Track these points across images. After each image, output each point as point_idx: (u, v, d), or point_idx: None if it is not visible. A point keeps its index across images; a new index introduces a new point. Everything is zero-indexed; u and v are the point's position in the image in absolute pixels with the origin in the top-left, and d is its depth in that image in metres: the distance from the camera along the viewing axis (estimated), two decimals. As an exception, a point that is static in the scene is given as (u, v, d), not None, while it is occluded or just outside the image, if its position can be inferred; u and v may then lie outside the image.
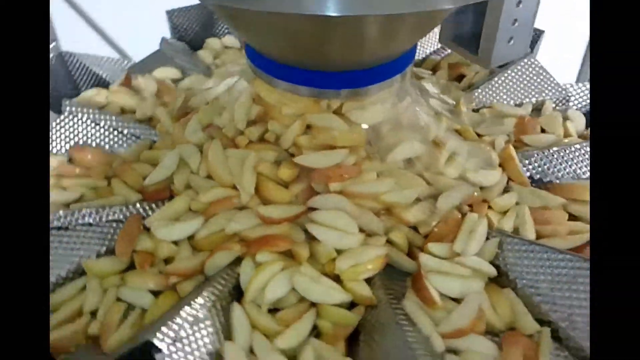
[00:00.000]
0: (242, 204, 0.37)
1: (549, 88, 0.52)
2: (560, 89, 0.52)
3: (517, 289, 0.35)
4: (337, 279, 0.34)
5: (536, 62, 0.52)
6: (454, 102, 0.47)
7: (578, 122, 0.51)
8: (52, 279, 0.35)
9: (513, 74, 0.52)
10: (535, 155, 0.43)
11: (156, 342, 0.28)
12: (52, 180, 0.41)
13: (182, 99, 0.46)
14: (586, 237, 0.38)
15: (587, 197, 0.41)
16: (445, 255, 0.36)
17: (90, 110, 0.45)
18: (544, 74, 0.52)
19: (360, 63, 0.34)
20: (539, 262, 0.35)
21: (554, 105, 0.52)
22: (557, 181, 0.43)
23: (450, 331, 0.32)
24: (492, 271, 0.35)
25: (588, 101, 0.54)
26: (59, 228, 0.37)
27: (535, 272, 0.35)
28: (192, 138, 0.40)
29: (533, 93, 0.52)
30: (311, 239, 0.35)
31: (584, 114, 0.53)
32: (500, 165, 0.43)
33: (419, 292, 0.34)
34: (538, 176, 0.43)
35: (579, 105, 0.54)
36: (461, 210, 0.38)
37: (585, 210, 0.40)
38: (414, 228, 0.38)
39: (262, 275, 0.33)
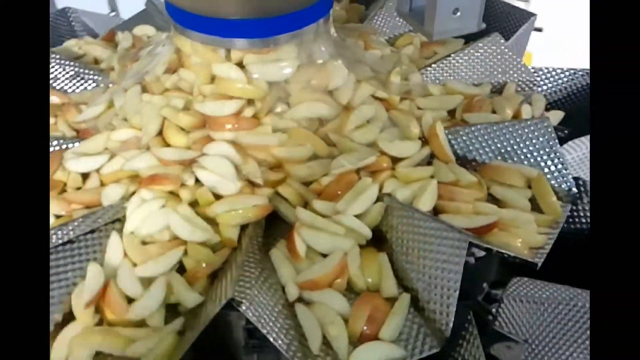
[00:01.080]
0: (144, 145, 0.39)
1: (514, 69, 0.50)
2: (526, 71, 0.50)
3: (392, 253, 0.35)
4: (214, 222, 0.35)
5: (501, 42, 0.50)
6: (386, 73, 0.46)
7: (537, 106, 0.48)
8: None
9: (474, 52, 0.50)
10: (461, 131, 0.42)
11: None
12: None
13: (135, 50, 0.49)
14: (491, 219, 0.36)
15: (514, 181, 0.40)
16: (327, 212, 0.36)
17: (57, 56, 0.49)
18: (510, 54, 0.50)
19: (259, 10, 0.35)
20: (415, 230, 0.34)
21: (518, 88, 0.50)
22: (481, 159, 0.42)
23: (305, 282, 0.33)
24: (367, 233, 0.35)
25: (557, 85, 0.51)
26: None
27: (409, 238, 0.35)
28: (124, 84, 0.43)
29: (495, 73, 0.50)
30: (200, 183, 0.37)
31: (547, 99, 0.50)
32: (426, 139, 0.42)
33: (288, 243, 0.35)
34: (463, 152, 0.42)
35: (546, 90, 0.51)
36: (359, 175, 0.38)
37: (508, 194, 0.39)
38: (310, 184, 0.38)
39: (143, 210, 0.35)
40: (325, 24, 0.41)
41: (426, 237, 0.34)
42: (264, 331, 0.29)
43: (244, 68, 0.38)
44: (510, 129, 0.41)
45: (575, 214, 0.40)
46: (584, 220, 0.39)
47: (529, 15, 0.56)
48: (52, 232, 0.34)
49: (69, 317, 0.32)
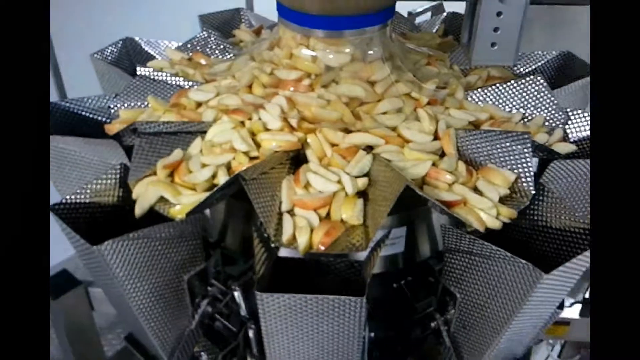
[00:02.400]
0: (236, 91, 0.57)
1: (548, 107, 0.58)
2: (558, 111, 0.58)
3: (368, 202, 0.47)
4: (259, 144, 0.52)
5: (541, 81, 0.59)
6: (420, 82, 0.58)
7: (555, 137, 0.56)
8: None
9: (517, 85, 0.59)
10: (461, 133, 0.52)
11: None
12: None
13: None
14: (456, 197, 0.47)
15: (496, 180, 0.49)
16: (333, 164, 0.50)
17: (214, 34, 0.71)
18: (547, 93, 0.58)
19: (330, 9, 0.51)
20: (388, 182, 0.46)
21: (547, 122, 0.58)
22: (477, 159, 0.51)
23: (297, 200, 0.47)
24: (350, 188, 0.47)
25: (585, 129, 0.58)
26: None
27: (386, 191, 0.47)
28: (242, 55, 0.63)
29: (530, 107, 0.59)
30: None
31: (570, 139, 0.57)
32: (439, 138, 0.53)
33: (295, 175, 0.49)
34: (462, 151, 0.52)
35: (574, 131, 0.58)
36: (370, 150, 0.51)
37: (485, 187, 0.49)
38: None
39: (220, 126, 0.53)
40: (381, 31, 0.55)
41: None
42: (256, 205, 0.44)
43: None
44: (499, 136, 0.50)
45: (532, 211, 0.48)
46: (537, 217, 0.47)
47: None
48: (163, 124, 0.53)
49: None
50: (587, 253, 0.40)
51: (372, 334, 0.50)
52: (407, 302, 0.55)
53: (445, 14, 0.83)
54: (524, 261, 0.39)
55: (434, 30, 0.80)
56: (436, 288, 0.52)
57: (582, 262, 0.41)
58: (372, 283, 0.54)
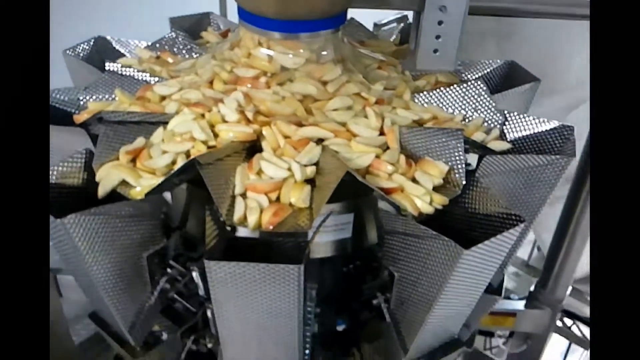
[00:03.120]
0: (198, 86, 0.61)
1: (485, 109, 0.64)
2: (496, 113, 0.63)
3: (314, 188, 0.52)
4: (217, 135, 0.56)
5: (480, 86, 0.64)
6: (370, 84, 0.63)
7: (491, 135, 0.61)
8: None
9: (459, 89, 0.65)
10: (403, 130, 0.57)
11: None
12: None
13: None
14: (392, 185, 0.52)
15: (432, 171, 0.54)
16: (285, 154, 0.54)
17: (182, 35, 0.75)
18: (485, 96, 0.64)
19: (286, 14, 0.56)
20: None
21: (485, 123, 0.63)
22: (417, 152, 0.56)
23: (250, 184, 0.51)
24: (299, 175, 0.51)
25: (521, 129, 0.63)
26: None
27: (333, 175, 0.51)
28: (204, 55, 0.67)
29: (471, 109, 0.64)
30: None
31: (507, 138, 0.63)
32: (385, 133, 0.58)
33: (249, 162, 0.53)
34: (404, 145, 0.57)
35: (511, 132, 0.63)
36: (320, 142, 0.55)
37: (421, 177, 0.53)
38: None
39: (181, 117, 0.57)
40: (334, 35, 0.60)
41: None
42: (210, 188, 0.47)
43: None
44: (436, 132, 0.55)
45: (464, 199, 0.53)
46: (468, 205, 0.52)
47: (532, 79, 0.69)
48: (128, 114, 0.56)
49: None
50: (506, 233, 0.45)
51: (318, 309, 0.54)
52: (355, 284, 0.60)
53: (402, 24, 0.88)
54: (446, 238, 0.43)
55: (392, 39, 0.85)
56: (379, 270, 0.56)
57: (501, 242, 0.46)
58: (322, 267, 0.58)
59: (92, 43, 0.75)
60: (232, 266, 0.42)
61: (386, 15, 1.21)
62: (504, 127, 0.64)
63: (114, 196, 0.51)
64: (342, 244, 0.58)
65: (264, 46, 0.60)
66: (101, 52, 0.75)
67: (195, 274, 0.58)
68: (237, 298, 0.44)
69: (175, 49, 0.73)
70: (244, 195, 0.50)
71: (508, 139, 0.63)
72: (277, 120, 0.56)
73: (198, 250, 0.60)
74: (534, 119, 0.62)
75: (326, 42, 0.60)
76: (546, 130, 0.61)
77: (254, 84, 0.59)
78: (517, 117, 0.64)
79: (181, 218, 0.60)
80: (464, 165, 0.53)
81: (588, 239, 0.78)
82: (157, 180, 0.51)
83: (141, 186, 0.51)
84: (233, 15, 0.90)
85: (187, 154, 0.55)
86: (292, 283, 0.42)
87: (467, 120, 0.65)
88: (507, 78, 0.76)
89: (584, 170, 0.88)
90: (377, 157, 0.54)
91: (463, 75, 0.75)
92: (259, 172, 0.51)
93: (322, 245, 0.57)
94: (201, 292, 0.60)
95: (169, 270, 0.57)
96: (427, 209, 0.50)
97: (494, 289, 0.62)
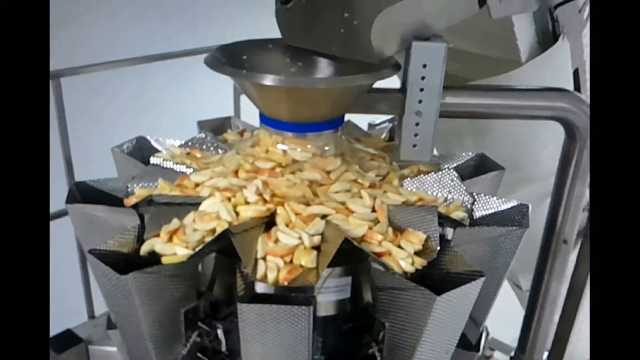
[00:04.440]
0: (225, 175, 0.76)
1: (458, 191, 0.78)
2: (466, 194, 0.77)
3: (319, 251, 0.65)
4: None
5: (453, 173, 0.79)
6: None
7: (461, 215, 0.75)
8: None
9: (437, 176, 0.79)
10: (392, 207, 0.71)
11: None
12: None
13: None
14: (382, 249, 0.65)
15: (413, 239, 0.67)
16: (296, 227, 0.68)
17: (209, 135, 0.91)
18: (457, 181, 0.78)
19: (297, 118, 0.72)
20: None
21: (460, 204, 0.78)
22: (402, 225, 0.70)
23: (269, 249, 0.64)
24: (308, 243, 0.65)
25: (486, 208, 0.77)
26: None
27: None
28: (230, 151, 0.83)
29: (445, 191, 0.78)
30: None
31: (476, 216, 0.76)
32: (376, 210, 0.72)
33: (267, 231, 0.67)
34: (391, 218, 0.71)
35: (479, 210, 0.77)
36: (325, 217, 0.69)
37: (406, 246, 0.67)
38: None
39: (211, 200, 0.71)
40: (335, 134, 0.76)
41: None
42: (239, 251, 0.60)
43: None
44: (416, 209, 0.69)
45: (439, 262, 0.65)
46: (443, 267, 0.65)
47: (498, 168, 0.85)
48: (171, 197, 0.70)
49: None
50: (470, 285, 0.58)
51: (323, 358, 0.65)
52: (354, 341, 0.71)
53: (392, 124, 1.06)
54: (423, 288, 0.56)
55: (382, 136, 1.02)
56: (373, 323, 0.68)
57: (467, 292, 0.58)
58: (326, 324, 0.70)
59: (134, 141, 0.91)
60: (258, 308, 0.54)
61: (379, 117, 1.40)
62: (474, 206, 0.77)
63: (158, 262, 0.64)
64: (342, 303, 0.70)
65: (279, 143, 0.75)
66: (142, 149, 0.91)
67: (220, 332, 0.69)
68: (261, 336, 0.55)
69: (204, 147, 0.89)
70: (264, 258, 0.63)
71: (477, 216, 0.77)
72: (290, 200, 0.70)
73: (222, 311, 0.72)
74: (497, 199, 0.76)
75: (328, 140, 0.75)
76: (508, 208, 0.75)
77: (271, 174, 0.73)
78: (484, 197, 0.78)
79: (209, 283, 0.72)
80: (438, 235, 0.66)
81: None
82: (190, 251, 0.64)
83: (178, 254, 0.65)
84: (244, 116, 1.07)
85: (213, 231, 0.68)
86: (305, 321, 0.54)
87: (447, 201, 0.79)
88: (478, 167, 0.91)
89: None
90: (370, 228, 0.68)
91: (441, 165, 0.91)
92: (276, 241, 0.65)
93: (325, 304, 0.69)
94: (223, 348, 0.71)
95: (199, 324, 0.68)
96: (409, 268, 0.63)
97: (472, 345, 0.73)
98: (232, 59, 0.75)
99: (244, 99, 1.69)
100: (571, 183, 0.81)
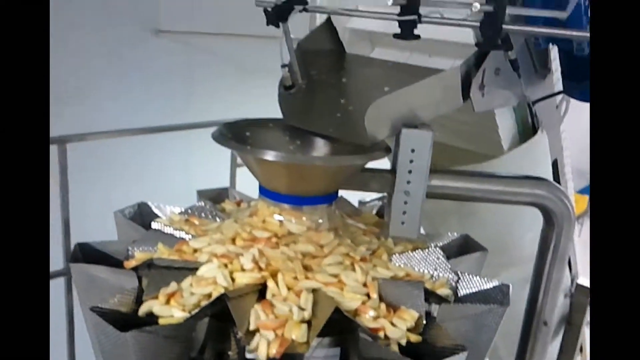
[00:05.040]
0: (223, 242, 0.80)
1: (443, 269, 0.82)
2: (451, 272, 0.82)
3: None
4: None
5: (439, 251, 0.83)
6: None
7: (446, 292, 0.79)
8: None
9: (423, 254, 0.84)
10: (382, 281, 0.75)
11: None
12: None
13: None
14: (376, 325, 0.68)
15: (407, 317, 0.71)
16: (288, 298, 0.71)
17: (209, 204, 0.96)
18: (443, 259, 0.83)
19: (292, 192, 0.77)
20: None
21: (445, 282, 0.81)
22: (391, 300, 0.73)
23: (261, 323, 0.67)
24: (300, 317, 0.68)
25: (470, 287, 0.81)
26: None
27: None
28: (228, 220, 0.87)
29: (431, 268, 0.83)
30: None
31: (460, 294, 0.80)
32: (367, 286, 0.76)
33: (263, 301, 0.70)
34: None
35: (464, 287, 0.81)
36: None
37: (399, 324, 0.70)
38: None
39: (209, 266, 0.74)
40: (328, 209, 0.80)
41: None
42: (234, 316, 0.63)
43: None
44: (404, 283, 0.73)
45: (426, 336, 0.68)
46: (430, 340, 0.67)
47: (481, 249, 0.89)
48: (171, 261, 0.74)
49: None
50: (455, 357, 0.60)
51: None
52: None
53: (381, 202, 1.11)
54: (409, 359, 0.59)
55: (373, 212, 1.07)
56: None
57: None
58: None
59: (136, 207, 0.95)
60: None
61: (369, 194, 1.46)
62: (458, 284, 0.81)
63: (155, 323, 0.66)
64: (329, 374, 0.72)
65: (276, 214, 0.80)
66: (143, 214, 0.95)
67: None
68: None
69: (203, 214, 0.94)
70: (257, 330, 0.66)
71: (461, 294, 0.81)
72: (283, 272, 0.74)
73: (211, 376, 0.73)
74: (480, 278, 0.80)
75: (322, 213, 0.80)
76: (490, 288, 0.79)
77: (267, 243, 0.77)
78: (468, 276, 0.82)
79: (200, 348, 0.74)
80: (424, 310, 0.69)
81: None
82: (186, 314, 0.67)
83: (175, 316, 0.67)
84: (239, 188, 1.13)
85: (209, 295, 0.71)
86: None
87: (433, 278, 0.82)
88: (462, 247, 0.95)
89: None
90: (363, 303, 0.71)
91: (429, 243, 0.95)
92: (272, 310, 0.68)
93: (313, 374, 0.71)
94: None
95: (189, 389, 0.69)
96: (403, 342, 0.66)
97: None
98: (237, 134, 0.81)
99: (239, 171, 1.75)
100: (550, 266, 0.86)
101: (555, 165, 1.27)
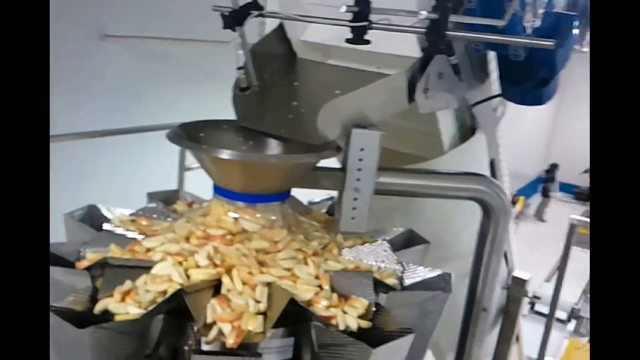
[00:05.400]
0: (177, 240, 0.81)
1: (390, 261, 0.87)
2: (397, 264, 0.86)
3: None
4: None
5: (386, 245, 0.88)
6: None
7: (393, 282, 0.83)
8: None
9: (372, 247, 0.88)
10: (334, 274, 0.78)
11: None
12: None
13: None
14: (329, 313, 0.71)
15: (358, 305, 0.74)
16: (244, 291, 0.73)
17: (160, 205, 0.96)
18: (390, 252, 0.87)
19: (247, 190, 0.79)
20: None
21: (392, 272, 0.86)
22: (342, 290, 0.77)
23: (218, 316, 0.69)
24: (254, 309, 0.71)
25: (414, 277, 0.86)
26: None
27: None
28: (180, 219, 0.88)
29: (379, 260, 0.87)
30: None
31: (405, 283, 0.85)
32: (320, 278, 0.79)
33: (219, 296, 0.72)
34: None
35: (409, 277, 0.86)
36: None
37: (351, 312, 0.73)
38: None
39: (163, 264, 0.75)
40: (282, 206, 0.83)
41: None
42: (192, 310, 0.65)
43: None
44: (354, 274, 0.77)
45: (375, 322, 0.72)
46: (378, 325, 0.71)
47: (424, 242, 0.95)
48: (125, 260, 0.74)
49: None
50: (402, 339, 0.65)
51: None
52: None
53: (330, 202, 1.15)
54: (360, 341, 0.62)
55: (322, 211, 1.11)
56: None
57: (399, 345, 0.65)
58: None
59: (86, 209, 0.95)
60: (212, 358, 0.58)
61: (318, 195, 1.50)
62: (404, 274, 0.86)
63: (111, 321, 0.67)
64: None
65: (231, 211, 0.82)
66: (93, 217, 0.94)
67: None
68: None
69: (155, 215, 0.94)
70: (214, 323, 0.67)
71: (406, 284, 0.86)
72: (238, 268, 0.76)
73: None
74: (424, 268, 0.85)
75: (276, 211, 0.83)
76: (434, 276, 0.84)
77: (222, 241, 0.79)
78: (413, 267, 0.87)
79: (155, 345, 0.74)
80: (374, 297, 0.73)
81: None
82: (142, 310, 0.68)
83: (130, 313, 0.68)
84: (188, 190, 1.14)
85: (164, 292, 0.72)
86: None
87: (380, 269, 0.87)
88: (407, 241, 1.01)
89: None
90: (316, 294, 0.74)
91: (376, 238, 1.00)
92: (228, 304, 0.70)
93: (268, 366, 0.73)
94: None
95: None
96: (354, 326, 0.70)
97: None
98: (191, 135, 0.82)
99: (187, 174, 1.76)
100: (488, 255, 0.92)
101: (492, 164, 1.36)
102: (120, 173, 1.97)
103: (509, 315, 1.66)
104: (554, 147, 10.03)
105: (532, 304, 5.12)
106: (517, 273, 1.65)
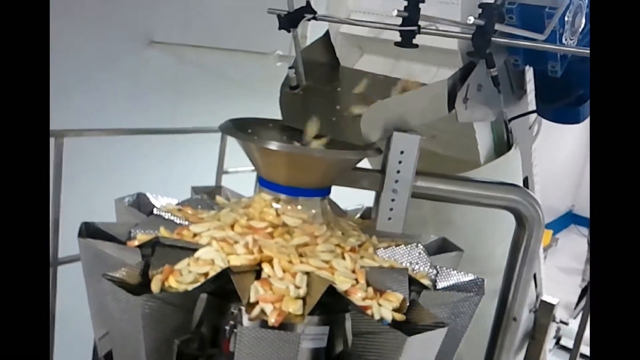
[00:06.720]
0: (223, 228, 0.85)
1: (424, 263, 0.89)
2: (432, 267, 0.88)
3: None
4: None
5: (420, 247, 0.90)
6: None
7: (426, 282, 0.85)
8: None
9: (406, 248, 0.91)
10: (370, 269, 0.81)
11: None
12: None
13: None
14: (365, 303, 0.74)
15: (392, 298, 0.77)
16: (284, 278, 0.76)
17: (205, 196, 1.01)
18: (424, 254, 0.90)
19: (290, 183, 0.83)
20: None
21: (425, 274, 0.88)
22: (378, 285, 0.80)
23: (260, 296, 0.73)
24: (295, 293, 0.74)
25: (447, 279, 0.88)
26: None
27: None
28: (225, 208, 0.92)
29: (413, 262, 0.89)
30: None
31: (439, 286, 0.87)
32: (356, 272, 0.82)
33: (262, 278, 0.75)
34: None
35: (442, 280, 0.88)
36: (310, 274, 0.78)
37: (385, 304, 0.76)
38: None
39: (209, 249, 0.79)
40: (322, 202, 0.87)
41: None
42: (237, 288, 0.68)
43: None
44: (390, 271, 0.79)
45: (410, 317, 0.74)
46: (412, 319, 0.74)
47: (458, 249, 0.97)
48: (175, 241, 0.79)
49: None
50: (435, 332, 0.67)
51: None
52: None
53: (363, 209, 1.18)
54: (395, 329, 0.65)
55: (357, 216, 1.14)
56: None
57: (433, 336, 0.67)
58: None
59: (135, 196, 1.00)
60: (257, 331, 0.61)
61: (350, 204, 1.54)
62: (437, 277, 0.88)
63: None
64: (316, 353, 0.77)
65: (276, 202, 0.86)
66: (141, 204, 0.99)
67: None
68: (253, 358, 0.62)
69: (199, 206, 0.99)
70: (256, 303, 0.71)
71: (439, 287, 0.88)
72: (280, 258, 0.79)
73: (206, 351, 0.78)
74: (457, 272, 0.88)
75: (316, 206, 0.87)
76: (466, 281, 0.86)
77: (262, 234, 0.83)
78: (446, 270, 0.89)
79: (197, 323, 0.78)
80: (408, 292, 0.76)
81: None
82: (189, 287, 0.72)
83: (179, 288, 0.72)
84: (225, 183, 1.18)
85: (206, 274, 0.76)
86: (293, 348, 0.62)
87: (414, 271, 0.89)
88: (440, 248, 1.03)
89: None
90: (352, 286, 0.77)
91: (410, 242, 1.02)
92: (270, 287, 0.73)
93: (303, 352, 0.76)
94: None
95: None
96: (388, 317, 0.72)
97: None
98: (241, 129, 0.87)
99: (224, 178, 1.81)
100: (520, 264, 0.94)
101: (526, 182, 1.37)
102: (159, 172, 2.04)
103: (535, 340, 1.65)
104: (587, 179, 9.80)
105: (558, 339, 4.98)
106: (545, 297, 1.64)
